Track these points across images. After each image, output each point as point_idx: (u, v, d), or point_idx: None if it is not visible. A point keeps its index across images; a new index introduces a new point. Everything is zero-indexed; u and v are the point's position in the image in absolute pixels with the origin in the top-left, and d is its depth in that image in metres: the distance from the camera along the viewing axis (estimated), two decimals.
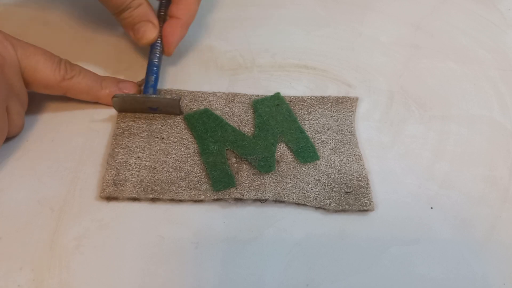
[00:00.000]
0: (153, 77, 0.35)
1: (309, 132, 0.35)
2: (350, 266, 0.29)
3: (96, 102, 0.36)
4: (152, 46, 0.36)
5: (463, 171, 0.34)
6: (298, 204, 0.31)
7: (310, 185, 0.32)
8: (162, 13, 0.38)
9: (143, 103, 0.34)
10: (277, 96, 0.37)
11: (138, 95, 0.34)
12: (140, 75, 0.38)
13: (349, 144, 0.34)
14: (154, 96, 0.34)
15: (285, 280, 0.28)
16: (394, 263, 0.29)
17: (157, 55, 0.36)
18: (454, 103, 0.39)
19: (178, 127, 0.35)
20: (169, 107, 0.34)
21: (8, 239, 0.29)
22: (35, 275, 0.27)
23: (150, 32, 0.35)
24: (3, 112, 0.30)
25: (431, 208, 0.32)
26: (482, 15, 0.49)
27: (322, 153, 0.34)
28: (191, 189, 0.31)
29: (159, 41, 0.36)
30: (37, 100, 0.35)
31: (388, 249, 0.30)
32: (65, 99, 0.35)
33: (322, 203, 0.31)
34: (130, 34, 0.36)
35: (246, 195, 0.31)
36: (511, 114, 0.39)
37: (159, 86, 0.37)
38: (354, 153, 0.34)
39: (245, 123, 0.35)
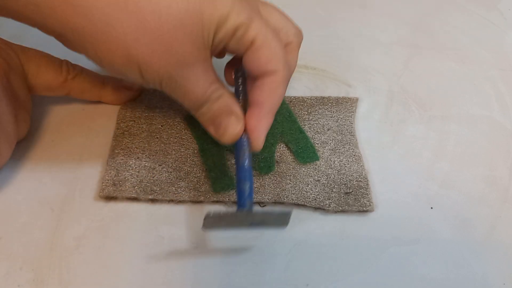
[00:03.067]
0: (248, 184, 0.28)
1: (309, 133, 0.35)
2: (350, 266, 0.29)
3: (97, 102, 0.36)
4: (237, 144, 0.29)
5: (463, 171, 0.34)
6: (297, 204, 0.31)
7: (309, 186, 0.32)
8: (241, 101, 0.31)
9: (246, 220, 0.28)
10: None
11: (239, 212, 0.27)
12: None
13: (349, 145, 0.34)
14: (259, 211, 0.28)
15: (285, 280, 0.28)
16: (394, 263, 0.29)
17: (247, 154, 0.29)
18: (454, 103, 0.39)
19: (178, 127, 0.35)
20: (277, 221, 0.28)
21: (8, 239, 0.29)
22: (35, 275, 0.27)
23: (232, 127, 0.28)
24: (13, 121, 0.30)
25: (431, 208, 0.32)
26: (482, 15, 0.49)
27: (322, 153, 0.34)
28: (191, 189, 0.31)
29: (245, 137, 0.29)
30: (37, 100, 0.35)
31: (388, 249, 0.30)
32: (65, 99, 0.35)
33: (322, 204, 0.31)
34: (211, 130, 0.30)
35: None
36: (511, 114, 0.39)
37: None
38: (354, 154, 0.34)
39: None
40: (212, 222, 0.26)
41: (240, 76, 0.31)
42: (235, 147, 0.29)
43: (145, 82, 0.27)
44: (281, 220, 0.28)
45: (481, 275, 0.29)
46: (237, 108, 0.29)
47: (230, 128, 0.28)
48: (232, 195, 0.31)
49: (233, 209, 0.30)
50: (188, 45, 0.25)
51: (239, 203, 0.28)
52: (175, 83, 0.27)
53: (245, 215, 0.27)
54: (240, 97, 0.31)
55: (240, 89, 0.31)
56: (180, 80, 0.27)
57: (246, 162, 0.28)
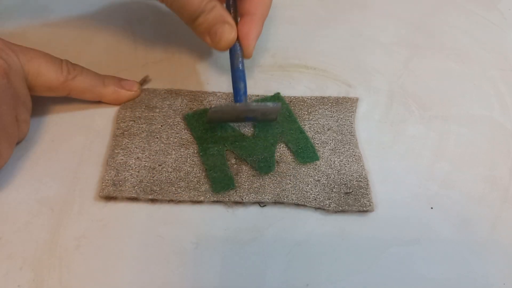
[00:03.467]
0: (243, 83, 0.33)
1: (309, 133, 0.35)
2: (350, 266, 0.29)
3: (96, 102, 0.36)
4: (232, 50, 0.34)
5: (463, 171, 0.34)
6: (297, 204, 0.31)
7: (309, 186, 0.32)
8: (232, 13, 0.35)
9: (242, 113, 0.32)
10: (277, 96, 0.37)
11: (238, 104, 0.33)
12: (140, 75, 0.38)
13: (349, 145, 0.34)
14: (254, 103, 0.33)
15: (285, 280, 0.28)
16: (394, 263, 0.29)
17: (240, 59, 0.34)
18: (454, 103, 0.39)
19: (178, 127, 0.35)
20: (268, 114, 0.33)
21: (8, 239, 0.29)
22: (35, 275, 0.27)
23: (228, 33, 0.33)
24: (13, 122, 0.30)
25: (431, 208, 0.32)
26: (482, 15, 0.49)
27: (322, 153, 0.34)
28: (191, 189, 0.31)
29: (238, 44, 0.34)
30: (37, 100, 0.35)
31: (388, 249, 0.30)
32: (65, 99, 0.35)
33: (322, 204, 0.31)
34: (207, 39, 0.34)
35: (245, 198, 0.31)
36: (511, 114, 0.39)
37: (154, 85, 0.37)
38: (354, 154, 0.34)
39: (244, 124, 0.35)
40: (215, 114, 0.32)
41: None
42: (230, 53, 0.34)
43: None
44: (272, 113, 0.33)
45: (481, 275, 0.29)
46: (229, 18, 0.33)
47: (225, 35, 0.33)
48: (232, 195, 0.31)
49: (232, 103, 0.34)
50: None
51: (236, 99, 0.33)
52: None
53: (242, 107, 0.32)
54: (231, 10, 0.35)
55: (231, 2, 0.35)
56: None
57: (240, 65, 0.33)
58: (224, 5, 0.35)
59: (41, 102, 0.35)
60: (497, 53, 0.44)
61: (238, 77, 0.33)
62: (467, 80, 0.41)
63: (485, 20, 0.48)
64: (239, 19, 0.35)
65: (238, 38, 0.34)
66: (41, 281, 0.27)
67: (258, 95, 0.37)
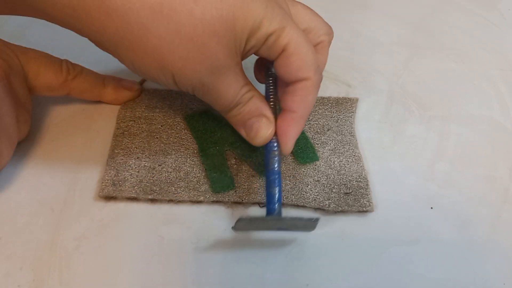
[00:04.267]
0: (277, 188, 0.29)
1: (308, 133, 0.35)
2: (350, 266, 0.29)
3: (96, 102, 0.36)
4: (268, 147, 0.30)
5: (463, 171, 0.34)
6: (297, 205, 0.31)
7: (309, 186, 0.32)
8: (272, 103, 0.31)
9: (274, 224, 0.29)
10: None
11: (269, 218, 0.28)
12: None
13: (349, 145, 0.34)
14: (289, 218, 0.29)
15: (285, 280, 0.28)
16: (394, 263, 0.29)
17: (276, 158, 0.29)
18: (454, 103, 0.39)
19: (178, 127, 0.35)
20: (302, 226, 0.29)
21: (8, 239, 0.29)
22: (35, 275, 0.27)
23: (264, 130, 0.29)
24: (14, 123, 0.30)
25: (431, 208, 0.32)
26: (482, 15, 0.49)
27: (322, 154, 0.34)
28: (190, 189, 0.31)
29: (275, 140, 0.30)
30: (37, 100, 0.35)
31: (388, 249, 0.30)
32: (65, 99, 0.35)
33: (321, 204, 0.31)
34: (242, 132, 0.30)
35: (245, 199, 0.31)
36: (511, 114, 0.39)
37: (154, 85, 0.37)
38: (353, 154, 0.34)
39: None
40: (243, 225, 0.27)
41: (271, 75, 0.31)
42: (265, 150, 0.30)
43: (178, 88, 0.27)
44: (308, 226, 0.28)
45: (481, 275, 0.29)
46: (267, 111, 0.30)
47: (262, 131, 0.29)
48: (232, 195, 0.31)
49: (262, 214, 0.30)
50: (221, 52, 0.25)
51: (269, 207, 0.28)
52: (207, 88, 0.27)
53: (274, 220, 0.28)
54: (271, 98, 0.31)
55: (271, 88, 0.31)
56: (212, 86, 0.27)
57: (276, 165, 0.29)
58: (264, 88, 0.32)
59: (41, 102, 0.35)
60: (497, 53, 0.44)
61: (272, 180, 0.29)
62: (467, 80, 0.41)
63: (485, 20, 0.48)
64: (280, 112, 0.30)
65: (275, 134, 0.30)
66: (41, 281, 0.27)
67: None
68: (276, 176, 0.29)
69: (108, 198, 0.31)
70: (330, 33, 0.32)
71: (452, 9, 0.49)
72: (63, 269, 0.28)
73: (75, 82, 0.33)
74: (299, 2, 0.31)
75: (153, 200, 0.31)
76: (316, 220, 0.27)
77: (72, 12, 0.24)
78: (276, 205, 0.28)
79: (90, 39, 0.26)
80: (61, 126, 0.35)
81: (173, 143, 0.34)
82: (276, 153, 0.29)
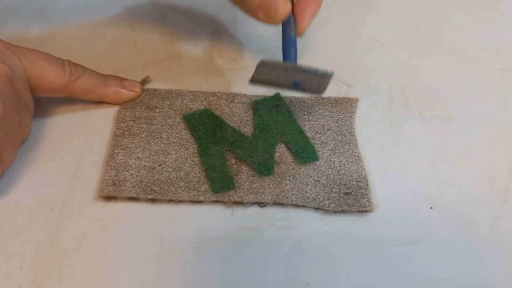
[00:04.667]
0: (294, 50, 0.32)
1: (308, 133, 0.35)
2: (350, 266, 0.29)
3: (97, 102, 0.36)
4: (285, 24, 0.32)
5: (463, 171, 0.34)
6: (297, 205, 0.31)
7: (309, 186, 0.32)
8: None
9: (291, 74, 0.31)
10: (277, 96, 0.37)
11: (289, 63, 0.31)
12: (140, 75, 0.38)
13: (349, 145, 0.34)
14: (305, 66, 0.30)
15: (285, 280, 0.28)
16: (394, 263, 0.29)
17: (293, 30, 0.32)
18: (454, 103, 0.39)
19: (178, 127, 0.35)
20: (316, 81, 0.31)
21: (8, 239, 0.29)
22: (35, 275, 0.27)
23: (283, 6, 0.31)
24: (17, 127, 0.30)
25: (431, 208, 0.32)
26: (482, 15, 0.49)
27: (322, 153, 0.34)
28: (190, 189, 0.31)
29: (292, 17, 0.32)
30: (37, 101, 0.35)
31: (388, 249, 0.30)
32: (66, 99, 0.35)
33: (321, 204, 0.31)
34: (260, 15, 0.32)
35: (245, 198, 0.31)
36: (511, 114, 0.39)
37: (154, 85, 0.37)
38: (353, 154, 0.34)
39: (244, 124, 0.35)
40: (263, 70, 0.30)
41: None
42: (282, 26, 0.32)
43: None
44: (321, 82, 0.31)
45: (481, 275, 0.29)
46: None
47: (281, 8, 0.31)
48: (232, 195, 0.31)
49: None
50: None
51: (284, 57, 0.31)
52: None
53: (293, 67, 0.30)
54: None
55: None
56: None
57: (293, 34, 0.32)
58: None
59: (42, 103, 0.35)
60: (497, 53, 0.44)
61: (289, 43, 0.32)
62: (467, 80, 0.41)
63: (485, 20, 0.48)
64: None
65: (292, 12, 0.32)
66: (41, 281, 0.27)
67: (258, 95, 0.37)
68: (293, 42, 0.32)
69: (108, 198, 0.31)
70: None
71: (452, 9, 0.49)
72: (63, 269, 0.28)
73: (78, 83, 0.33)
74: None
75: (153, 200, 0.31)
76: (331, 74, 0.30)
77: None
78: (292, 57, 0.31)
79: None
80: (61, 126, 0.35)
81: (173, 143, 0.34)
82: (293, 26, 0.32)
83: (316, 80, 0.31)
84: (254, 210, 0.31)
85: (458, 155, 0.35)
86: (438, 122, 0.38)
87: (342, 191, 0.32)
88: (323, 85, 0.31)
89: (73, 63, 0.34)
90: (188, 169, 0.32)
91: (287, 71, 0.31)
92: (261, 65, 0.29)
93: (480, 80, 0.42)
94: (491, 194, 0.33)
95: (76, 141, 0.34)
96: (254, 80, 0.31)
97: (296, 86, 0.32)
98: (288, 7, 0.31)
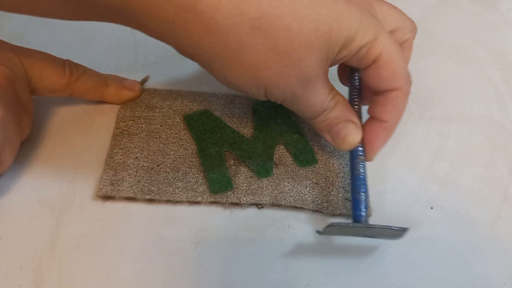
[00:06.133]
0: (363, 195, 0.29)
1: (308, 135, 0.35)
2: (350, 266, 0.29)
3: (97, 102, 0.36)
4: (354, 152, 0.30)
5: (463, 171, 0.34)
6: (295, 207, 0.31)
7: (307, 188, 0.32)
8: (356, 107, 0.30)
9: (363, 232, 0.29)
10: None
11: (360, 225, 0.28)
12: (140, 75, 0.38)
13: None
14: (378, 226, 0.28)
15: (285, 280, 0.28)
16: (394, 263, 0.29)
17: (362, 164, 0.29)
18: (454, 103, 0.39)
19: (177, 128, 0.34)
20: (390, 236, 0.29)
21: (8, 239, 0.29)
22: (35, 275, 0.27)
23: (353, 136, 0.29)
24: (17, 129, 0.30)
25: (431, 208, 0.32)
26: (482, 15, 0.49)
27: (321, 156, 0.34)
28: (188, 190, 0.31)
29: (361, 146, 0.29)
30: (37, 100, 0.35)
31: (388, 249, 0.30)
32: (66, 99, 0.35)
33: (320, 207, 0.31)
34: (327, 137, 0.30)
35: (243, 199, 0.31)
36: (511, 114, 0.39)
37: (154, 85, 0.37)
38: None
39: (244, 125, 0.35)
40: (332, 231, 0.27)
41: (355, 79, 0.31)
42: (351, 155, 0.30)
43: (266, 99, 0.28)
44: (396, 235, 0.28)
45: (481, 275, 0.29)
46: (354, 116, 0.29)
47: (350, 137, 0.29)
48: (230, 196, 0.31)
49: (350, 221, 0.30)
50: (314, 65, 0.25)
51: (356, 213, 0.28)
52: (297, 99, 0.27)
53: (364, 228, 0.28)
54: (355, 102, 0.30)
55: (355, 93, 0.31)
56: (303, 96, 0.27)
57: (362, 171, 0.29)
58: (347, 98, 0.31)
59: (42, 103, 0.35)
60: (497, 53, 0.44)
61: (358, 186, 0.29)
62: (467, 80, 0.41)
63: (485, 20, 0.48)
64: (365, 119, 0.30)
65: (362, 141, 0.29)
66: (41, 281, 0.27)
67: None
68: (362, 182, 0.29)
69: (106, 198, 0.31)
70: (414, 29, 0.31)
71: (452, 9, 0.49)
72: (63, 269, 0.28)
73: (78, 83, 0.33)
74: (385, 2, 0.30)
75: (150, 200, 0.31)
76: (405, 229, 0.27)
77: (170, 27, 0.24)
78: (364, 214, 0.28)
79: (182, 52, 0.26)
80: (61, 126, 0.35)
81: (172, 143, 0.34)
82: (362, 158, 0.29)
83: (390, 236, 0.29)
84: (254, 210, 0.31)
85: (458, 155, 0.35)
86: (438, 122, 0.38)
87: (341, 194, 0.32)
88: (398, 237, 0.28)
89: (74, 63, 0.34)
90: (187, 169, 0.32)
91: (359, 231, 0.29)
92: (331, 226, 0.27)
93: (480, 80, 0.42)
94: (491, 194, 0.33)
95: (76, 141, 0.34)
96: (321, 234, 0.28)
97: (367, 237, 0.30)
98: (358, 137, 0.29)
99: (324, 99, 0.28)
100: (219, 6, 0.23)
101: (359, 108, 0.30)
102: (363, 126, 0.30)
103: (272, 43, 0.24)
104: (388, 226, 0.27)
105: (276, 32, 0.24)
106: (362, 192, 0.29)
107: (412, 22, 0.31)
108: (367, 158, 0.30)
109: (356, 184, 0.29)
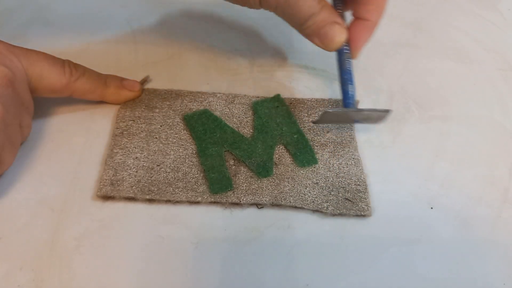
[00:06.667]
0: (352, 85, 0.33)
1: (308, 135, 0.35)
2: (350, 266, 0.29)
3: (97, 102, 0.36)
4: (340, 51, 0.34)
5: (463, 171, 0.34)
6: (295, 207, 0.31)
7: (307, 188, 0.32)
8: (339, 10, 0.34)
9: (353, 116, 0.34)
10: (277, 98, 0.37)
11: (351, 109, 0.33)
12: (140, 75, 0.38)
13: (349, 148, 0.34)
14: (367, 109, 0.33)
15: (285, 280, 0.28)
16: (394, 263, 0.29)
17: (349, 60, 0.34)
18: (454, 103, 0.39)
19: (177, 128, 0.34)
20: (376, 119, 0.34)
21: (8, 239, 0.29)
22: (35, 275, 0.27)
23: (339, 35, 0.32)
24: (17, 129, 0.30)
25: (431, 208, 0.32)
26: (482, 15, 0.49)
27: (321, 156, 0.34)
28: (188, 190, 0.31)
29: (347, 45, 0.34)
30: (37, 100, 0.35)
31: (388, 249, 0.30)
32: (65, 99, 0.35)
33: (320, 207, 0.31)
34: (315, 41, 0.33)
35: (243, 199, 0.31)
36: (511, 114, 0.39)
37: (154, 85, 0.37)
38: (353, 157, 0.34)
39: (244, 125, 0.35)
40: (329, 116, 0.32)
41: None
42: (338, 53, 0.34)
43: (260, 7, 0.31)
44: (381, 118, 0.33)
45: (481, 275, 0.29)
46: (338, 18, 0.32)
47: (337, 37, 0.32)
48: (229, 196, 0.31)
49: (341, 107, 0.34)
50: None
51: (346, 102, 0.33)
52: (287, 5, 0.31)
53: (355, 113, 0.33)
54: (338, 5, 0.34)
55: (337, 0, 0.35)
56: (292, 2, 0.31)
57: (348, 66, 0.33)
58: (331, 2, 0.34)
59: (42, 103, 0.35)
60: (497, 53, 0.44)
61: (347, 79, 0.33)
62: (467, 80, 0.41)
63: (485, 20, 0.48)
64: (348, 20, 0.34)
65: (348, 40, 0.33)
66: (41, 281, 0.27)
67: (258, 96, 0.37)
68: (349, 76, 0.33)
69: (106, 198, 0.31)
70: None
71: (452, 9, 0.49)
72: (63, 269, 0.28)
73: (78, 83, 0.33)
74: None
75: (150, 200, 0.31)
76: (388, 111, 0.32)
77: None
78: (353, 101, 0.33)
79: None
80: (61, 126, 0.35)
81: (172, 143, 0.34)
82: (348, 55, 0.33)
83: (376, 118, 0.34)
84: (254, 210, 0.31)
85: (458, 155, 0.35)
86: (438, 122, 0.38)
87: (340, 194, 0.32)
88: (381, 120, 0.34)
89: (73, 63, 0.34)
90: (187, 169, 0.32)
91: (350, 115, 0.33)
92: (325, 113, 0.32)
93: (480, 80, 0.42)
94: (491, 194, 0.33)
95: (76, 141, 0.34)
96: (317, 122, 0.34)
97: (356, 122, 0.35)
98: (344, 36, 0.32)
99: (311, 2, 0.31)
100: None
101: (342, 11, 0.34)
102: (349, 27, 0.33)
103: None
104: (373, 108, 0.32)
105: None
106: (350, 83, 0.33)
107: None
108: (353, 56, 0.34)
109: (344, 77, 0.33)
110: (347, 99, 0.33)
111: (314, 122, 0.32)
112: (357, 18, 0.34)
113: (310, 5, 0.31)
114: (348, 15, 0.35)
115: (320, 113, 0.31)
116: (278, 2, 0.31)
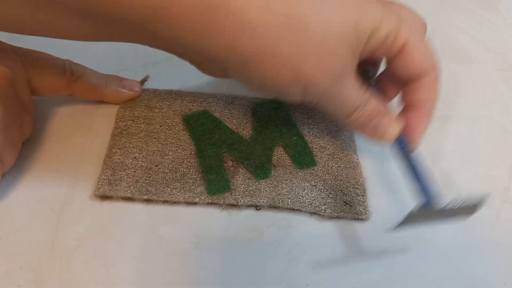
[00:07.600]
0: (426, 180, 0.28)
1: (307, 137, 0.35)
2: (350, 266, 0.29)
3: (97, 102, 0.36)
4: (397, 144, 0.30)
5: (463, 171, 0.34)
6: (293, 209, 0.31)
7: (306, 191, 0.32)
8: (380, 95, 0.30)
9: (438, 215, 0.28)
10: (277, 99, 0.37)
11: (436, 210, 0.27)
12: (140, 75, 0.38)
13: (348, 151, 0.34)
14: (450, 207, 0.27)
15: (285, 280, 0.28)
16: (394, 263, 0.29)
17: (411, 153, 0.29)
18: (454, 103, 0.39)
19: (176, 128, 0.34)
20: (467, 214, 0.28)
21: (8, 239, 0.29)
22: (35, 275, 0.27)
23: (393, 128, 0.29)
24: (18, 130, 0.30)
25: None
26: (482, 15, 0.49)
27: (320, 158, 0.34)
28: (186, 191, 0.31)
29: (401, 137, 0.30)
30: (37, 100, 0.35)
31: (388, 249, 0.30)
32: (66, 98, 0.35)
33: (317, 209, 0.31)
34: (364, 134, 0.30)
35: (240, 201, 0.31)
36: (511, 114, 0.39)
37: (154, 86, 0.37)
38: (352, 160, 0.34)
39: (243, 126, 0.35)
40: (413, 217, 0.26)
41: (372, 75, 0.31)
42: (396, 147, 0.30)
43: (302, 101, 0.28)
44: (470, 211, 0.27)
45: (481, 275, 0.29)
46: (386, 108, 0.29)
47: (390, 129, 0.29)
48: (227, 197, 0.31)
49: (423, 208, 0.28)
50: (347, 54, 0.26)
51: (426, 200, 0.27)
52: (332, 96, 0.27)
53: (440, 212, 0.27)
54: (377, 91, 0.31)
55: (377, 87, 0.31)
56: (337, 92, 0.27)
57: (413, 161, 0.29)
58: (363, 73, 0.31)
59: (42, 103, 0.35)
60: (497, 53, 0.44)
61: (419, 173, 0.28)
62: (467, 80, 0.41)
63: (485, 20, 0.48)
64: (405, 110, 0.31)
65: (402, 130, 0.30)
66: (41, 281, 0.27)
67: (258, 98, 0.37)
68: (418, 169, 0.28)
69: (104, 197, 0.30)
70: (424, 27, 0.32)
71: (452, 9, 0.49)
72: (63, 269, 0.28)
73: (78, 83, 0.33)
74: (394, 2, 0.31)
75: (148, 201, 0.31)
76: (478, 204, 0.26)
77: (200, 31, 0.23)
78: (434, 198, 0.27)
79: (212, 57, 0.25)
80: (61, 126, 0.35)
81: (171, 143, 0.33)
82: (406, 148, 0.29)
83: (467, 213, 0.28)
84: (254, 210, 0.31)
85: (458, 155, 0.35)
86: (438, 122, 0.38)
87: (339, 197, 0.32)
88: (473, 211, 0.28)
89: (74, 63, 0.34)
90: (185, 170, 0.32)
91: (436, 215, 0.28)
92: (413, 213, 0.26)
93: (480, 80, 0.42)
94: (491, 194, 0.33)
95: (76, 141, 0.34)
96: (401, 225, 0.27)
97: (442, 221, 0.29)
98: (398, 127, 0.29)
99: (357, 94, 0.28)
100: (251, 2, 0.23)
101: (383, 95, 0.31)
102: (402, 116, 0.30)
103: (305, 38, 0.24)
104: (463, 202, 0.26)
105: (308, 26, 0.24)
106: (425, 178, 0.28)
107: (421, 20, 0.32)
108: (412, 148, 0.29)
109: (415, 172, 0.28)
110: (427, 197, 0.27)
111: (396, 228, 0.26)
112: (411, 105, 0.30)
113: (355, 97, 0.28)
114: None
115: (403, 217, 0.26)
116: (321, 95, 0.27)
